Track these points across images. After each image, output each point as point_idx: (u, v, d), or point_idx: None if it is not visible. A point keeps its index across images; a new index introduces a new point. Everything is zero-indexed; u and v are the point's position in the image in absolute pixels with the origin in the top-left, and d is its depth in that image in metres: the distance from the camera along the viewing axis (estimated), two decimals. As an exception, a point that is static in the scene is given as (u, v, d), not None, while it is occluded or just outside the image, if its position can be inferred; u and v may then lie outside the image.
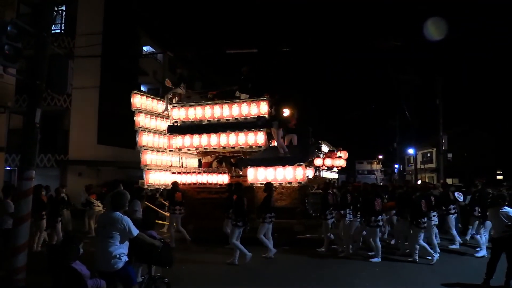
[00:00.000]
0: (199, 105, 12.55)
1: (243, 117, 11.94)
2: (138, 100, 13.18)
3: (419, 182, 30.94)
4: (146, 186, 12.96)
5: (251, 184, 11.35)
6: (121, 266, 4.63)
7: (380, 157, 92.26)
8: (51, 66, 7.56)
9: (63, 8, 20.64)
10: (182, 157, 14.60)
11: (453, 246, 11.02)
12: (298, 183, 11.06)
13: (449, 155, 40.43)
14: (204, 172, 12.29)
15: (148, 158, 13.08)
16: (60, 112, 20.82)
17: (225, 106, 12.22)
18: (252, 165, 11.48)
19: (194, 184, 12.17)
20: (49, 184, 13.33)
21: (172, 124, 12.86)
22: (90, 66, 20.24)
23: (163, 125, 13.79)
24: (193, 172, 12.41)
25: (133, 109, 13.11)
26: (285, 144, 12.50)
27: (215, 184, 11.86)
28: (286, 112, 12.32)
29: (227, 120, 12.16)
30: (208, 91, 14.06)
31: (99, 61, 21.61)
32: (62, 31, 20.92)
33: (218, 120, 12.25)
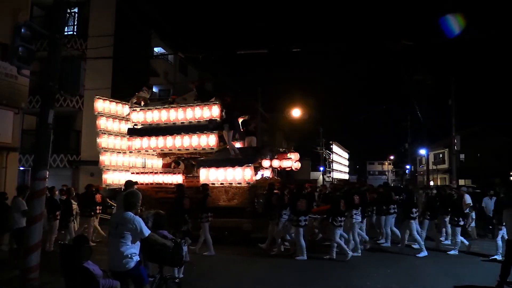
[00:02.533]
0: (156, 108, 13.02)
1: (196, 120, 12.40)
2: (101, 105, 13.62)
3: (431, 183, 30.70)
4: (104, 186, 13.40)
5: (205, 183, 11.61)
6: (132, 266, 4.64)
7: (392, 157, 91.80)
8: (64, 67, 7.65)
9: (76, 10, 20.85)
10: (145, 158, 14.92)
11: (384, 244, 11.50)
12: (247, 183, 11.38)
13: (462, 156, 40.02)
14: (160, 172, 12.79)
15: (107, 159, 13.58)
16: (72, 113, 21.04)
17: (180, 110, 12.67)
18: (204, 166, 11.87)
19: (151, 184, 12.66)
20: (62, 184, 13.48)
21: (132, 127, 13.28)
22: (102, 67, 20.40)
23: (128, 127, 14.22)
24: (151, 173, 12.92)
25: (95, 113, 13.54)
26: (245, 145, 12.90)
27: (171, 184, 12.21)
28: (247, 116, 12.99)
29: (182, 123, 12.61)
30: (172, 95, 14.53)
31: (110, 62, 21.77)
32: (75, 33, 21.14)
33: (174, 123, 12.71)
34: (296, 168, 14.28)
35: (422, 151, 37.42)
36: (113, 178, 13.66)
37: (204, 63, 30.44)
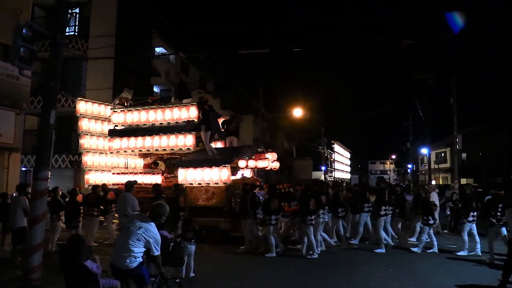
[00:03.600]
0: (136, 109, 13.17)
1: (174, 121, 12.53)
2: (83, 106, 13.73)
3: (433, 182, 30.66)
4: (86, 186, 13.53)
5: (182, 184, 11.82)
6: (135, 266, 4.65)
7: (393, 157, 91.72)
8: (66, 68, 7.67)
9: (77, 10, 20.87)
10: (128, 159, 15.01)
11: (354, 241, 11.58)
12: (224, 183, 11.53)
13: (464, 155, 39.95)
14: (140, 173, 13.01)
15: (89, 159, 13.74)
16: (74, 113, 21.02)
17: (159, 111, 12.84)
18: (182, 166, 12.02)
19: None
20: (64, 184, 13.50)
21: (113, 128, 13.41)
22: (103, 68, 20.43)
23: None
24: (131, 173, 13.12)
25: (77, 115, 13.68)
26: (226, 145, 13.04)
27: (150, 184, 12.30)
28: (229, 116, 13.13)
29: (160, 123, 12.77)
30: (150, 96, 14.92)
31: (112, 63, 21.80)
32: (76, 33, 21.14)
33: (153, 123, 12.88)
34: (274, 168, 14.52)
35: (424, 150, 37.36)
36: (96, 178, 13.79)
37: (205, 63, 30.49)
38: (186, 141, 12.17)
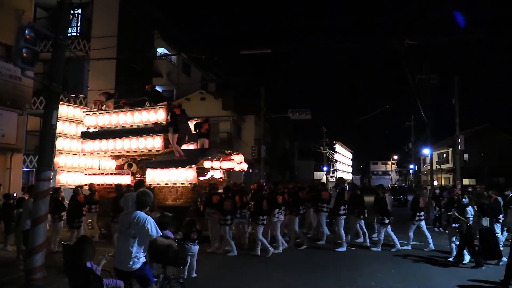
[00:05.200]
0: (107, 112, 13.53)
1: (143, 124, 12.99)
2: (64, 110, 13.83)
3: (435, 183, 30.60)
4: (58, 186, 13.50)
5: (150, 184, 11.99)
6: (138, 267, 4.64)
7: (395, 157, 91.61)
8: (68, 69, 7.68)
9: (79, 11, 20.88)
10: (101, 160, 15.20)
11: (321, 242, 11.74)
12: (190, 183, 11.79)
13: (466, 156, 39.83)
14: (111, 173, 13.34)
15: (61, 160, 13.80)
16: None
17: (129, 114, 13.29)
18: (150, 167, 12.32)
19: (102, 184, 13.09)
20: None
21: (85, 131, 13.68)
22: (105, 68, 20.44)
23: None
24: (102, 174, 13.45)
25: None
26: (197, 147, 13.41)
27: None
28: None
29: (130, 126, 13.19)
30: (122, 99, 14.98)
31: (114, 63, 21.80)
32: (78, 34, 21.15)
33: (123, 126, 13.27)
34: (242, 169, 14.94)
35: (426, 151, 37.20)
36: (67, 179, 13.95)
37: (207, 63, 30.50)
38: (155, 143, 12.58)
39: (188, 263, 6.99)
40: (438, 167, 43.80)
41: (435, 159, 42.51)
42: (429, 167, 34.37)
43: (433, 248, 10.91)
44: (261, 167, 24.93)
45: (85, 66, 7.73)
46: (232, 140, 26.88)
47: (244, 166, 14.61)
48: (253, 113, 28.01)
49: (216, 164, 12.59)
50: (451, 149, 42.02)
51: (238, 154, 14.18)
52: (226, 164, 13.31)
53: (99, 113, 13.60)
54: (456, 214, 9.21)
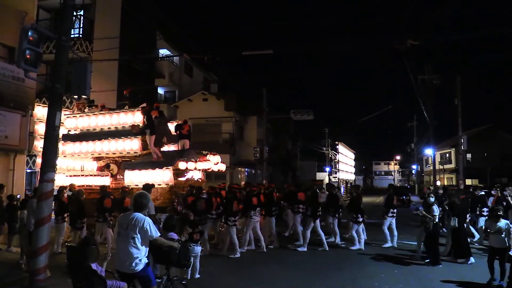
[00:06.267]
0: (87, 115, 13.68)
1: (121, 126, 13.14)
2: (40, 111, 13.77)
3: (438, 183, 30.54)
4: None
5: (128, 186, 12.13)
6: (140, 268, 4.65)
7: (398, 158, 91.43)
8: (71, 70, 7.69)
9: (81, 13, 20.94)
10: (84, 162, 15.14)
11: (299, 244, 11.60)
12: (166, 184, 11.94)
13: (468, 156, 39.72)
14: (91, 175, 13.41)
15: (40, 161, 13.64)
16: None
17: (107, 116, 13.45)
18: (128, 168, 12.47)
19: (82, 186, 13.03)
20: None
21: (66, 133, 13.73)
22: (108, 70, 20.49)
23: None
24: (82, 175, 13.52)
25: (34, 119, 13.78)
26: (178, 148, 13.57)
27: (98, 186, 12.61)
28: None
29: (109, 128, 13.34)
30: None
31: (116, 65, 21.85)
32: (80, 36, 21.19)
33: (102, 128, 13.42)
34: (220, 170, 15.15)
35: (429, 151, 37.25)
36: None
37: (209, 64, 30.50)
38: (132, 145, 12.73)
39: (191, 264, 7.00)
40: (441, 167, 43.75)
41: (437, 159, 42.49)
42: (431, 168, 34.40)
43: (393, 246, 11.48)
44: (263, 167, 24.92)
45: (89, 67, 7.73)
46: (235, 141, 26.88)
47: (222, 166, 14.86)
48: (256, 113, 28.01)
49: (191, 165, 12.70)
50: (453, 149, 41.94)
51: (215, 155, 14.32)
52: (202, 165, 13.39)
53: (79, 116, 13.78)
54: (423, 212, 9.55)
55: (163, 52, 29.05)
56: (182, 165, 12.33)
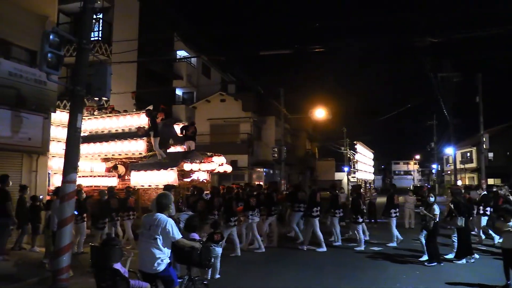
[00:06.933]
0: (95, 117, 14.10)
1: (128, 128, 13.67)
2: (58, 116, 14.04)
3: (459, 182, 30.02)
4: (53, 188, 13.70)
5: (134, 186, 12.48)
6: (163, 269, 4.68)
7: (417, 157, 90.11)
8: (91, 72, 7.80)
9: (101, 16, 21.24)
10: (92, 163, 15.18)
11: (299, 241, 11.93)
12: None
13: (490, 155, 38.89)
14: (98, 176, 13.68)
15: (55, 164, 13.93)
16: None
17: (114, 118, 14.01)
18: (134, 169, 12.78)
19: (91, 186, 13.44)
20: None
21: None
22: (126, 72, 20.74)
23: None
24: (90, 176, 13.77)
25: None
26: (184, 149, 13.79)
27: (105, 187, 12.78)
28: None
29: (116, 130, 13.86)
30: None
31: (135, 67, 22.11)
32: (100, 38, 21.50)
33: (109, 130, 13.95)
34: (225, 171, 15.19)
35: (449, 150, 36.66)
36: (59, 182, 13.96)
37: (226, 65, 30.58)
38: (138, 146, 13.05)
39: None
40: (462, 166, 42.96)
41: (458, 158, 41.68)
42: (452, 167, 33.84)
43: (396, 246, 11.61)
44: (281, 168, 24.87)
45: (109, 69, 7.82)
46: (253, 141, 26.90)
47: (227, 168, 14.97)
48: (273, 113, 27.97)
49: (195, 166, 12.80)
50: (475, 148, 41.12)
51: (219, 156, 14.43)
52: (206, 166, 13.51)
53: (88, 118, 14.06)
54: (424, 212, 9.63)
55: (181, 53, 29.23)
56: (186, 166, 12.54)
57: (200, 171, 13.51)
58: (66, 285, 7.09)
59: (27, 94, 10.69)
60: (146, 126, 12.99)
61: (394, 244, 11.77)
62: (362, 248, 11.29)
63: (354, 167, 48.58)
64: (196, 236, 5.80)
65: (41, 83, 10.94)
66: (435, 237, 9.52)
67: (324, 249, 11.04)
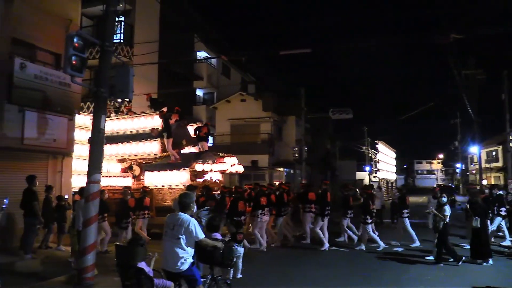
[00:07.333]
0: (110, 119, 14.20)
1: (142, 129, 13.94)
2: (79, 119, 14.21)
3: (484, 182, 29.37)
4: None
5: (148, 186, 12.53)
6: (186, 268, 4.72)
7: (441, 156, 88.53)
8: (115, 74, 7.92)
9: (122, 18, 21.55)
10: (108, 164, 15.27)
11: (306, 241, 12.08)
12: (183, 185, 12.13)
13: (517, 153, 37.93)
14: (114, 176, 13.87)
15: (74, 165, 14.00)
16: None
17: (129, 120, 14.34)
18: (148, 170, 13.04)
19: (106, 186, 13.22)
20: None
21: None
22: (148, 73, 20.96)
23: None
24: (105, 176, 13.65)
25: None
26: (198, 150, 13.96)
27: (120, 187, 13.07)
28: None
29: (131, 132, 14.18)
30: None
31: (156, 68, 22.34)
32: (121, 41, 21.83)
33: (124, 132, 14.30)
34: (238, 171, 15.18)
35: (474, 149, 35.86)
36: (78, 182, 13.91)
37: (246, 65, 30.58)
38: (152, 147, 13.35)
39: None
40: (487, 165, 42.02)
41: (483, 157, 40.79)
42: (477, 166, 33.11)
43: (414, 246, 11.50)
44: (302, 167, 24.78)
45: (131, 71, 7.93)
46: (273, 141, 26.85)
47: (239, 168, 15.00)
48: (294, 113, 27.87)
49: (207, 166, 12.90)
50: (501, 146, 40.16)
51: (231, 156, 14.52)
52: (218, 167, 13.60)
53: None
54: (435, 212, 9.57)
55: (201, 54, 29.41)
56: (198, 166, 12.64)
57: (212, 171, 13.62)
58: (91, 283, 7.23)
59: (52, 96, 10.91)
60: (160, 128, 13.23)
61: (418, 244, 11.63)
62: (363, 247, 11.29)
63: (375, 167, 48.05)
64: (218, 235, 5.82)
65: (65, 85, 11.17)
66: (446, 237, 9.38)
67: (326, 247, 11.14)
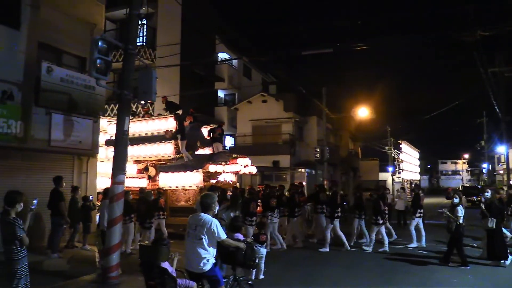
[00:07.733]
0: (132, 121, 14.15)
1: (156, 131, 14.22)
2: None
3: (512, 182, 28.58)
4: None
5: (162, 187, 12.85)
6: (208, 268, 4.75)
7: (466, 156, 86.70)
8: (138, 76, 8.04)
9: (145, 21, 21.86)
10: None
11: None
12: (196, 186, 12.52)
13: (546, 153, 36.81)
14: (130, 177, 13.69)
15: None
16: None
17: (144, 122, 14.75)
18: (163, 171, 13.25)
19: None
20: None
21: (109, 138, 14.25)
22: (170, 75, 21.17)
23: None
24: None
25: None
26: (212, 151, 13.96)
27: (136, 187, 13.31)
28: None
29: (146, 134, 14.50)
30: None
31: (178, 70, 22.55)
32: (144, 43, 22.14)
33: (139, 134, 14.55)
34: (250, 172, 15.20)
35: (501, 149, 35.00)
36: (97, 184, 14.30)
37: (268, 65, 30.54)
38: (166, 149, 13.55)
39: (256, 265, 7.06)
40: (516, 165, 40.88)
41: (511, 157, 39.76)
42: (505, 166, 32.26)
43: (421, 245, 11.67)
44: (324, 168, 24.61)
45: (154, 73, 8.03)
46: (294, 141, 26.77)
47: (253, 169, 15.00)
48: (315, 113, 27.74)
49: (220, 168, 12.96)
50: (529, 146, 39.08)
51: (244, 157, 14.58)
52: (231, 168, 13.67)
53: None
54: (447, 213, 9.46)
55: (222, 55, 29.55)
56: (211, 168, 12.74)
57: (225, 172, 13.68)
58: (116, 282, 7.35)
59: (78, 99, 11.13)
60: (174, 130, 13.43)
61: (415, 245, 11.72)
62: (369, 249, 11.24)
63: (398, 167, 47.38)
64: (240, 236, 5.84)
65: (90, 88, 11.37)
66: (459, 239, 9.30)
67: (327, 249, 11.15)
